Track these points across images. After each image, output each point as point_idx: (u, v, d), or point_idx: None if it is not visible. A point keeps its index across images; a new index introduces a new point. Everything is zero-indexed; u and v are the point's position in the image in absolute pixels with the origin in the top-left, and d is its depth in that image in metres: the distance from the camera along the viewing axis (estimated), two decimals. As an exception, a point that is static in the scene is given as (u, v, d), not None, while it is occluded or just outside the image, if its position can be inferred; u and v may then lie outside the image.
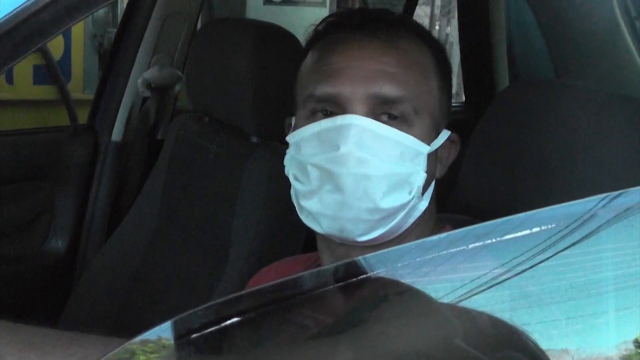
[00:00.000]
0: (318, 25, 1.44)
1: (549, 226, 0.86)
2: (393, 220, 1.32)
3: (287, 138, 1.38)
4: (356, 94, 1.31)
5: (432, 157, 1.35)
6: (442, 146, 1.38)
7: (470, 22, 2.98)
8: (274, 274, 1.60)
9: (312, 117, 1.35)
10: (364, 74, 1.32)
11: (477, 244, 0.83)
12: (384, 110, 1.31)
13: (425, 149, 1.32)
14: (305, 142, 1.34)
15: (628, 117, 1.43)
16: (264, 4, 3.91)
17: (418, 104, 1.32)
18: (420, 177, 1.32)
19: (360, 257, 0.80)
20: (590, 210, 0.86)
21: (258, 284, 1.60)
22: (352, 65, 1.33)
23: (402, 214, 1.32)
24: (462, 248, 0.82)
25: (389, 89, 1.30)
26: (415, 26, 1.43)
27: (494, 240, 0.84)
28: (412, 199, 1.32)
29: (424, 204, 1.35)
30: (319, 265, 1.47)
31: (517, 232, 0.85)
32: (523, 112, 1.58)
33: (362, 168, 1.28)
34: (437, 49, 1.41)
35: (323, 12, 3.96)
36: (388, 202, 1.30)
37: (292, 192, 1.39)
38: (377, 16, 1.42)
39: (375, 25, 1.36)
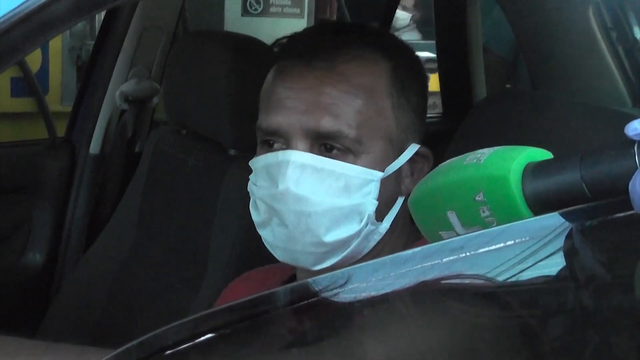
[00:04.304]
0: (272, 46, 1.42)
1: (523, 239, 0.87)
2: (346, 249, 1.31)
3: (250, 163, 1.38)
4: (294, 128, 1.29)
5: (392, 178, 1.33)
6: (412, 161, 1.36)
7: (447, 33, 2.99)
8: (249, 283, 1.59)
9: (263, 147, 1.35)
10: (302, 107, 1.29)
11: (451, 258, 0.83)
12: (325, 143, 1.29)
13: (377, 176, 1.30)
14: (257, 173, 1.35)
15: (603, 127, 1.44)
16: (242, 15, 3.91)
17: (363, 132, 1.30)
18: (370, 205, 1.30)
19: (335, 272, 0.80)
20: (563, 223, 0.87)
21: (233, 291, 1.60)
22: (292, 97, 1.31)
23: (355, 241, 1.31)
24: (436, 262, 0.82)
25: (326, 123, 1.28)
26: (372, 39, 1.39)
27: (468, 253, 0.84)
28: (365, 227, 1.31)
29: (384, 227, 1.34)
30: (294, 275, 1.47)
31: (491, 246, 0.85)
32: (499, 124, 1.59)
33: (300, 205, 1.27)
34: (400, 60, 1.37)
35: (301, 23, 3.96)
36: (333, 236, 1.29)
37: None
38: (325, 37, 1.38)
39: (318, 50, 1.33)
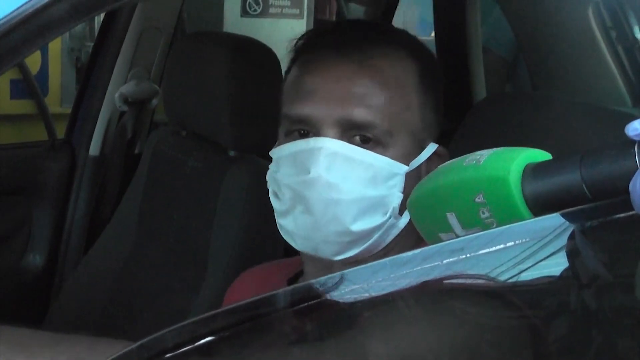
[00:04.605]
0: (299, 39, 1.43)
1: (524, 240, 0.86)
2: (368, 240, 1.32)
3: (270, 153, 1.38)
4: (327, 116, 1.29)
5: (414, 174, 1.33)
6: (429, 159, 1.36)
7: (447, 33, 2.99)
8: (254, 280, 1.59)
9: (289, 136, 1.35)
10: (335, 96, 1.30)
11: (451, 259, 0.83)
12: (356, 133, 1.30)
13: (402, 169, 1.31)
14: (282, 161, 1.34)
15: (603, 127, 1.44)
16: (241, 16, 3.91)
17: (393, 125, 1.31)
18: (396, 198, 1.31)
19: (336, 274, 0.80)
20: (564, 224, 0.87)
21: (237, 290, 1.60)
22: (324, 87, 1.32)
23: (377, 234, 1.32)
24: (436, 263, 0.82)
25: (359, 113, 1.29)
26: (399, 38, 1.41)
27: (468, 255, 0.84)
28: (388, 219, 1.32)
29: (403, 222, 1.34)
30: (301, 271, 1.47)
31: (491, 247, 0.85)
32: (499, 124, 1.59)
33: (331, 193, 1.27)
34: (424, 60, 1.39)
35: (300, 24, 3.95)
36: (359, 226, 1.29)
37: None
38: (356, 31, 1.40)
39: (351, 43, 1.34)
